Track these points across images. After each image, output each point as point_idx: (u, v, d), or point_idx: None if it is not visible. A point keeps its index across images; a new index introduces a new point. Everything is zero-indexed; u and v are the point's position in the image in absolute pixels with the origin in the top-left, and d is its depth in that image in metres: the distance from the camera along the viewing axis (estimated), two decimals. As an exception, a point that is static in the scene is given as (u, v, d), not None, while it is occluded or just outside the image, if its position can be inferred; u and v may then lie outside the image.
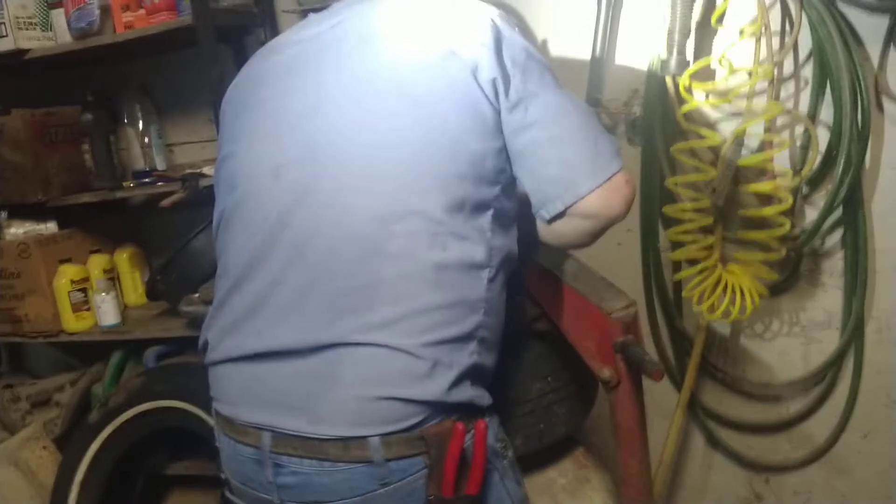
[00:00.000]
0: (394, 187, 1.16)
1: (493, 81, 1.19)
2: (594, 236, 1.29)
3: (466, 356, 1.17)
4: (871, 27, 1.88)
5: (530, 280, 1.56)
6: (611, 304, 1.40)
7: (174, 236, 2.29)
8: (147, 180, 2.35)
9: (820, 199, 1.98)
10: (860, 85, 1.87)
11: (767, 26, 1.89)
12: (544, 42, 2.09)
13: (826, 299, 2.08)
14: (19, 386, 2.59)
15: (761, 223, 1.99)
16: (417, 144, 1.17)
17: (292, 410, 1.15)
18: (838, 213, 1.98)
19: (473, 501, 1.14)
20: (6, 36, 2.20)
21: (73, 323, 2.42)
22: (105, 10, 2.18)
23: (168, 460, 2.47)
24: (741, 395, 2.21)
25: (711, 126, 1.97)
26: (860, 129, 1.89)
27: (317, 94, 1.23)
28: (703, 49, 2.02)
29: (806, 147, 1.96)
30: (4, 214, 2.47)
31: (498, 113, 1.20)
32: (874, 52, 1.90)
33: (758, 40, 1.90)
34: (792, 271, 2.08)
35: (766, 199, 1.96)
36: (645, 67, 2.05)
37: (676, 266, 2.15)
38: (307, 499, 1.17)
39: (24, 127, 2.32)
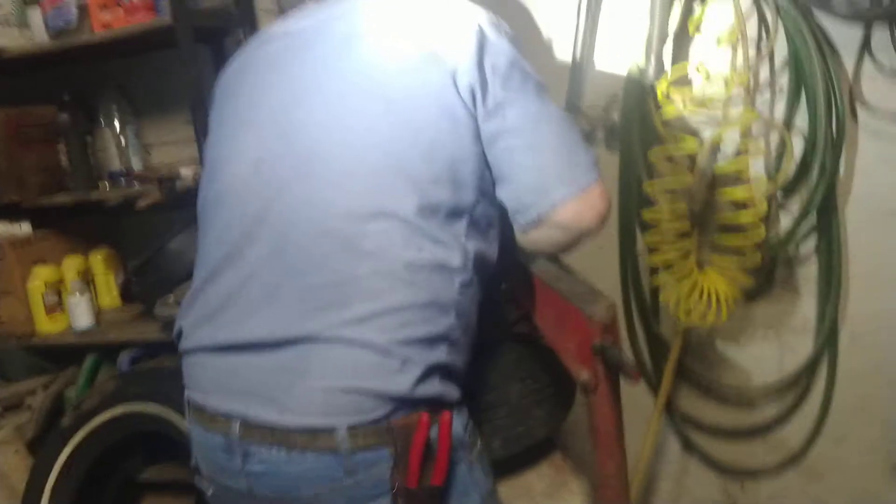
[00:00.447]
0: (367, 186, 1.17)
1: (471, 88, 1.19)
2: (565, 247, 1.29)
3: (436, 355, 1.17)
4: (846, 37, 1.91)
5: (512, 281, 1.56)
6: (591, 306, 1.40)
7: (150, 238, 2.27)
8: (123, 181, 2.33)
9: (795, 205, 2.01)
10: (835, 94, 1.89)
11: (744, 35, 1.91)
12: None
13: (800, 305, 2.10)
14: (-9, 389, 2.56)
15: (737, 229, 2.00)
16: (392, 146, 1.18)
17: (262, 400, 1.16)
18: (812, 219, 2.00)
19: (438, 492, 1.15)
20: (-19, 34, 2.18)
21: (47, 325, 2.39)
22: (83, 10, 2.17)
23: (141, 465, 2.44)
24: (717, 400, 2.23)
25: (688, 132, 1.99)
26: (834, 137, 1.91)
27: (299, 88, 1.24)
28: (680, 56, 2.04)
29: (781, 154, 1.98)
30: (-22, 215, 2.44)
31: (475, 119, 1.21)
32: (849, 61, 1.93)
33: (734, 48, 1.92)
34: (767, 277, 2.10)
35: (742, 205, 1.98)
36: (624, 74, 2.06)
37: (654, 271, 2.17)
38: (274, 486, 1.17)
39: (-2, 126, 2.30)
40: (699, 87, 1.96)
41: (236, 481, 1.21)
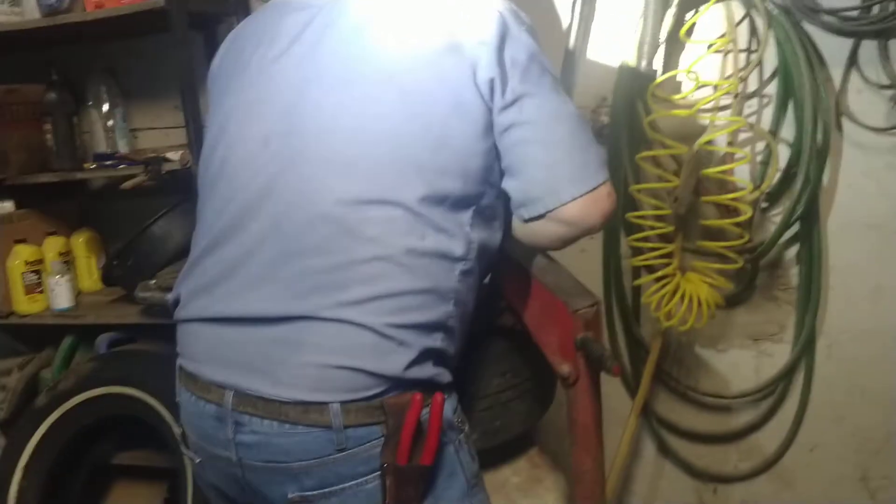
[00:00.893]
0: (373, 174, 1.17)
1: (491, 81, 1.19)
2: (566, 242, 1.30)
3: (431, 341, 1.18)
4: (834, 49, 1.94)
5: (499, 271, 1.56)
6: (576, 300, 1.41)
7: (133, 223, 2.26)
8: (109, 163, 2.31)
9: (778, 213, 2.03)
10: (822, 105, 1.92)
11: (735, 42, 1.93)
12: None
13: (779, 313, 2.12)
14: (-35, 369, 2.53)
15: (720, 234, 2.02)
16: (401, 135, 1.18)
17: (256, 372, 1.16)
18: (795, 228, 2.03)
19: (426, 471, 1.16)
20: (-31, 9, 2.16)
21: (26, 305, 2.37)
22: (76, -11, 2.15)
23: (114, 450, 2.43)
24: (693, 405, 2.25)
25: (676, 137, 2.00)
26: (820, 147, 1.94)
27: (314, 67, 1.23)
28: (671, 61, 2.06)
29: (766, 162, 2.00)
30: (-40, 191, 2.42)
31: (490, 112, 1.21)
32: (836, 73, 1.96)
33: (725, 55, 1.95)
34: (748, 284, 2.12)
35: (726, 210, 2.00)
36: (615, 77, 2.08)
37: (636, 273, 2.18)
38: (264, 458, 1.18)
39: (-17, 103, 2.29)
40: (688, 92, 1.98)
41: (226, 450, 1.21)
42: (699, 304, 1.98)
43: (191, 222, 2.12)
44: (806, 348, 2.09)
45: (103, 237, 2.60)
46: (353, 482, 1.15)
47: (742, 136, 2.03)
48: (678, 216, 2.00)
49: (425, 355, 1.17)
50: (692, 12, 1.97)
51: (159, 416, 2.09)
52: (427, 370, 1.18)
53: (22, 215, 2.43)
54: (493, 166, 1.25)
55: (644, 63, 1.99)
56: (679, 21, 1.98)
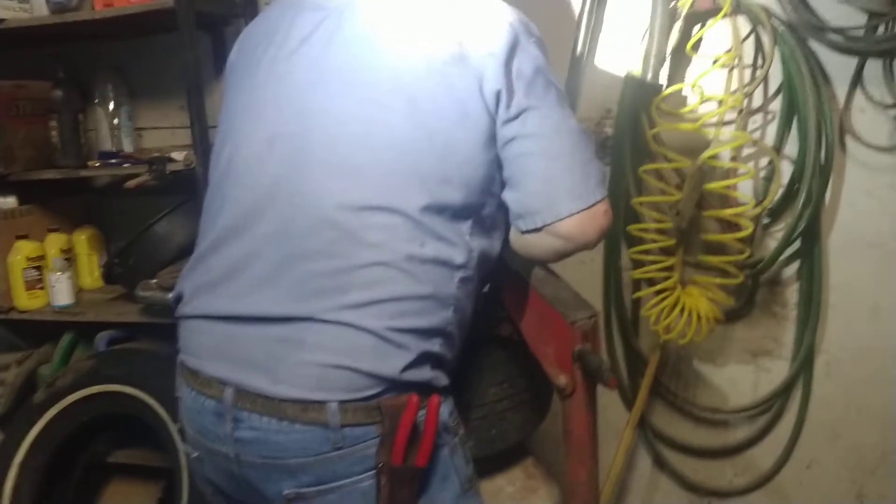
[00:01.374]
0: (377, 181, 1.18)
1: (497, 93, 1.20)
2: (561, 256, 1.32)
3: (430, 345, 1.19)
4: (839, 67, 1.94)
5: (498, 281, 1.57)
6: (574, 312, 1.42)
7: (135, 221, 2.27)
8: (113, 161, 2.32)
9: (779, 230, 2.03)
10: (826, 122, 1.92)
11: (740, 58, 1.93)
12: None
13: (779, 329, 2.12)
14: (-37, 363, 2.54)
15: (721, 249, 2.03)
16: (406, 143, 1.19)
17: (256, 369, 1.18)
18: (796, 245, 2.02)
19: (420, 472, 1.18)
20: (-21, 4, 2.17)
21: (26, 301, 2.37)
22: (86, -13, 2.17)
23: (111, 448, 2.43)
24: (690, 419, 2.24)
25: (679, 151, 2.01)
26: (823, 165, 1.94)
27: (324, 69, 1.24)
28: (676, 75, 2.06)
29: (769, 178, 2.00)
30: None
31: (494, 123, 1.22)
32: (841, 91, 1.96)
33: (730, 71, 1.95)
34: (748, 299, 2.12)
35: (728, 225, 2.00)
36: (619, 89, 2.08)
37: (636, 286, 2.18)
38: (261, 454, 1.19)
39: (-10, 97, 2.29)
40: (693, 106, 1.98)
41: (223, 446, 1.22)
42: (698, 318, 1.98)
43: (193, 223, 2.13)
44: (804, 365, 2.09)
45: (105, 235, 2.61)
46: (348, 480, 1.17)
47: (745, 151, 2.04)
48: (680, 230, 2.00)
49: (423, 359, 1.18)
50: (699, 26, 1.98)
51: (156, 415, 2.10)
52: (424, 373, 1.19)
53: (25, 211, 2.44)
54: (495, 177, 1.26)
55: (650, 76, 1.98)
56: (685, 35, 1.98)
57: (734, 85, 1.94)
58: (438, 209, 1.19)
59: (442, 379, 1.23)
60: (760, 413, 2.18)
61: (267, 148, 1.24)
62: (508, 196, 1.27)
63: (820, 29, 1.89)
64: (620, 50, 2.07)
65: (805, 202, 1.94)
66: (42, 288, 2.40)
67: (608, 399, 2.20)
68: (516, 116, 1.21)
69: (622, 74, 2.07)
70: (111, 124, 2.44)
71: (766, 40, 1.92)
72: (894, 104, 1.90)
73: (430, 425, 1.17)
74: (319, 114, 1.22)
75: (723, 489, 2.25)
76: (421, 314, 1.18)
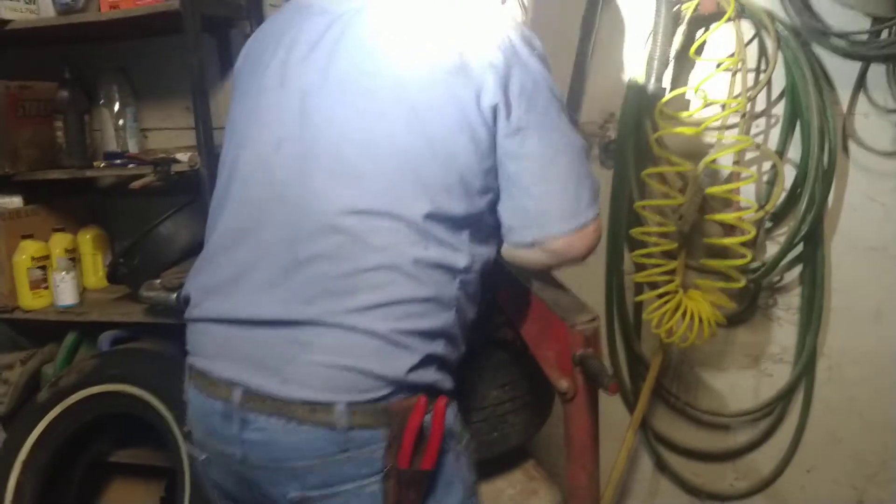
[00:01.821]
0: (381, 189, 1.19)
1: (495, 108, 1.20)
2: (548, 269, 1.38)
3: (434, 347, 1.20)
4: (842, 72, 1.95)
5: (499, 287, 1.57)
6: (575, 316, 1.42)
7: (140, 222, 2.27)
8: (118, 162, 2.32)
9: (782, 234, 2.03)
10: (829, 127, 1.92)
11: (744, 62, 1.94)
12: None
13: (781, 333, 2.12)
14: (-33, 362, 2.54)
15: (724, 252, 2.03)
16: (409, 152, 1.19)
17: (264, 370, 1.18)
18: (798, 249, 2.03)
19: (426, 476, 1.18)
20: (-13, 5, 2.18)
21: (30, 300, 2.38)
22: (92, -11, 2.17)
23: (113, 447, 2.44)
24: (691, 422, 2.25)
25: (683, 154, 2.01)
26: (825, 169, 1.94)
27: (325, 76, 1.24)
28: (680, 79, 2.07)
29: (772, 182, 2.01)
30: (-31, 185, 2.43)
31: (494, 135, 1.22)
32: (844, 96, 1.97)
33: (734, 75, 1.95)
34: (750, 303, 2.12)
35: (730, 229, 2.01)
36: (622, 92, 2.08)
37: (639, 289, 2.19)
38: (269, 456, 1.19)
39: (-3, 97, 2.30)
40: (696, 110, 1.98)
41: (231, 448, 1.22)
42: (700, 321, 1.98)
43: (198, 224, 2.16)
44: (806, 370, 2.09)
45: (110, 235, 2.61)
46: (354, 484, 1.17)
47: (748, 155, 2.04)
48: (682, 233, 2.00)
49: (428, 360, 1.19)
50: (702, 30, 1.98)
51: (159, 415, 2.10)
52: (429, 375, 1.20)
53: (30, 211, 2.44)
54: (493, 186, 1.27)
55: (653, 80, 1.99)
56: (689, 39, 1.99)
57: (737, 89, 1.94)
58: (440, 217, 1.20)
59: (446, 382, 1.24)
60: (762, 417, 2.18)
61: (273, 151, 1.24)
62: (502, 207, 1.28)
63: (823, 33, 1.89)
64: (624, 54, 2.07)
65: (808, 206, 1.94)
66: (46, 287, 2.40)
67: (610, 402, 2.20)
68: (515, 133, 1.22)
69: (625, 78, 2.07)
70: (116, 125, 2.45)
71: (770, 44, 1.93)
72: (897, 109, 1.91)
73: (437, 428, 1.18)
74: (324, 120, 1.22)
75: (724, 493, 2.25)
76: (424, 316, 1.19)
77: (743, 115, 1.97)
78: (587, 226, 1.27)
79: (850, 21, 1.88)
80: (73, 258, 2.47)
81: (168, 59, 2.49)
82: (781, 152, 1.99)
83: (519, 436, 1.69)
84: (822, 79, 1.93)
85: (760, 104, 2.03)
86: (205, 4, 2.11)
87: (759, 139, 2.03)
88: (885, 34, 1.86)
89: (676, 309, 2.01)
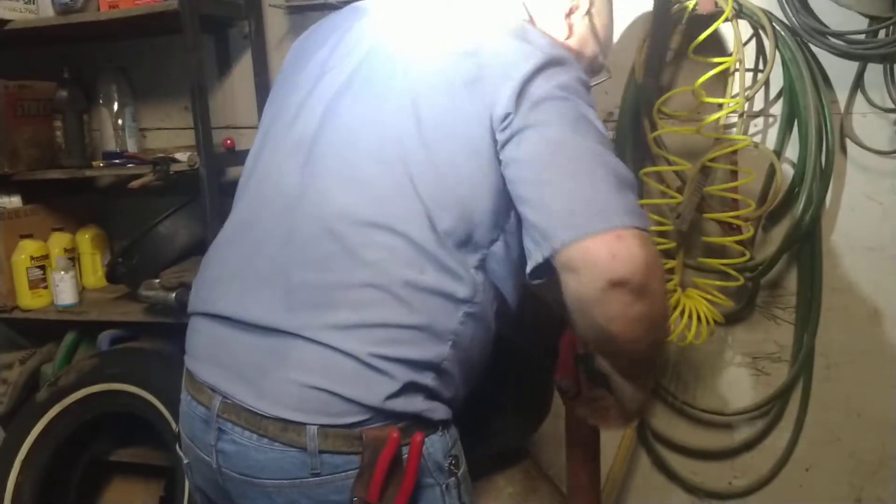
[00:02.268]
0: (382, 198, 1.14)
1: (505, 117, 1.10)
2: (592, 304, 1.06)
3: (420, 378, 1.13)
4: (840, 72, 1.95)
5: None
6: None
7: (139, 222, 2.28)
8: (117, 161, 2.33)
9: (779, 233, 2.04)
10: (826, 126, 1.93)
11: (742, 62, 1.94)
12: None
13: (778, 332, 2.13)
14: (-34, 362, 2.55)
15: (722, 251, 2.03)
16: (411, 164, 1.14)
17: (243, 380, 1.16)
18: (796, 248, 2.03)
19: None
20: (-14, 5, 2.18)
21: (29, 300, 2.38)
22: (91, -11, 2.18)
23: (113, 446, 2.44)
24: (689, 421, 2.25)
25: (680, 153, 2.02)
26: (823, 168, 1.95)
27: (347, 79, 1.23)
28: (678, 78, 2.07)
29: (770, 181, 2.01)
30: (-33, 185, 2.43)
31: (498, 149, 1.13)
32: (842, 96, 1.97)
33: (731, 74, 1.95)
34: (748, 302, 2.12)
35: (728, 228, 2.01)
36: (620, 92, 2.09)
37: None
38: (240, 469, 1.16)
39: (-4, 97, 2.31)
40: (694, 109, 1.99)
41: (208, 456, 1.21)
42: (699, 320, 1.99)
43: (197, 223, 2.18)
44: (804, 368, 2.10)
45: (109, 235, 2.62)
46: None
47: (746, 154, 2.04)
48: (680, 232, 2.01)
49: (411, 388, 1.12)
50: (700, 30, 1.98)
51: (159, 414, 2.11)
52: (415, 403, 1.13)
53: (29, 210, 2.45)
54: (504, 210, 1.16)
55: (651, 79, 2.00)
56: (687, 38, 1.99)
57: (735, 88, 1.95)
58: (441, 237, 1.13)
59: (439, 412, 1.16)
60: (760, 416, 2.19)
61: (295, 149, 1.23)
62: (522, 230, 1.14)
63: (821, 33, 1.90)
64: (622, 53, 2.07)
65: (805, 206, 1.94)
66: (46, 287, 2.41)
67: (608, 401, 2.21)
68: (510, 137, 1.11)
69: (624, 77, 2.07)
70: (115, 125, 2.45)
71: (768, 44, 1.93)
72: (895, 109, 1.91)
73: (412, 464, 1.10)
74: (339, 124, 1.20)
75: (722, 491, 2.25)
76: (411, 344, 1.12)
77: (741, 115, 1.98)
78: (603, 232, 1.03)
79: (847, 21, 1.88)
80: (73, 258, 2.47)
81: (167, 59, 2.50)
82: (779, 151, 2.00)
83: (517, 434, 1.69)
84: (820, 78, 1.94)
85: (758, 104, 2.03)
86: (203, 4, 2.12)
87: (757, 138, 2.04)
88: (882, 34, 1.86)
89: (674, 308, 2.02)
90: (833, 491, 2.15)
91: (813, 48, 1.94)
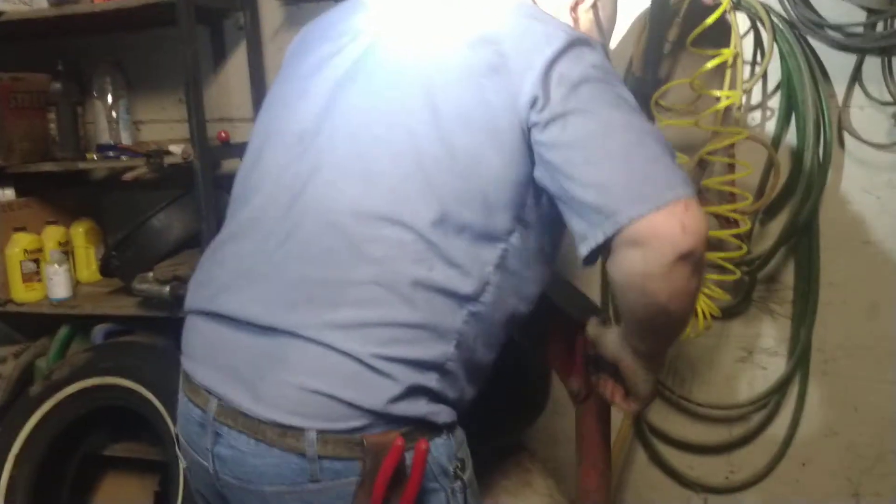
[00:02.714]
0: (390, 190, 1.11)
1: (534, 100, 1.08)
2: (654, 276, 1.04)
3: (424, 380, 1.10)
4: (838, 64, 1.94)
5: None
6: (585, 315, 1.40)
7: (133, 215, 2.26)
8: (111, 154, 2.31)
9: (777, 227, 2.03)
10: (824, 119, 1.92)
11: (740, 54, 1.93)
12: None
13: (775, 327, 2.12)
14: (-40, 356, 2.54)
15: (718, 245, 2.03)
16: (426, 155, 1.11)
17: (240, 383, 1.13)
18: (793, 241, 2.02)
19: None
20: (-21, -3, 2.17)
21: (23, 293, 2.37)
22: (85, -21, 2.17)
23: (107, 441, 2.43)
24: (686, 415, 2.24)
25: (678, 146, 2.00)
26: (821, 162, 1.94)
27: (357, 68, 1.21)
28: (675, 70, 2.06)
29: (767, 174, 2.00)
30: (-39, 178, 2.42)
31: (528, 138, 1.10)
32: (840, 89, 1.96)
33: (729, 66, 1.94)
34: (744, 296, 2.12)
35: (726, 221, 2.00)
36: (618, 84, 2.08)
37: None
38: (238, 475, 1.14)
39: (-11, 89, 2.29)
40: (691, 101, 1.98)
41: (205, 460, 1.19)
42: (695, 314, 1.98)
43: (191, 216, 2.16)
44: (800, 362, 2.09)
45: (103, 228, 2.61)
46: None
47: (744, 147, 2.03)
48: (677, 226, 2.00)
49: (415, 391, 1.09)
50: (699, 22, 1.97)
51: (153, 408, 2.10)
52: (419, 407, 1.10)
53: (22, 203, 2.43)
54: (526, 202, 1.15)
55: (649, 70, 1.99)
56: (684, 30, 1.98)
57: (733, 81, 1.94)
58: (455, 230, 1.10)
59: (444, 415, 1.13)
60: (756, 410, 2.18)
61: (296, 143, 1.21)
62: (566, 218, 1.11)
63: (819, 26, 1.89)
64: (620, 45, 2.06)
65: (803, 199, 1.94)
66: (39, 280, 2.39)
67: (605, 395, 2.20)
68: (554, 120, 1.07)
69: (622, 70, 2.06)
70: (109, 117, 2.43)
71: (766, 36, 1.92)
72: (893, 102, 1.90)
73: (416, 473, 1.08)
74: (345, 113, 1.18)
75: (719, 486, 2.25)
76: (414, 344, 1.09)
77: (739, 107, 1.97)
78: (672, 204, 1.01)
79: (845, 13, 1.87)
80: (66, 251, 2.46)
81: (161, 51, 2.48)
82: (777, 144, 1.99)
83: (512, 427, 1.68)
84: (818, 70, 1.93)
85: (756, 96, 2.02)
86: (198, -5, 2.10)
87: (756, 131, 2.03)
88: (880, 26, 1.85)
89: (671, 302, 2.01)
90: (830, 485, 2.15)
91: (811, 41, 1.93)
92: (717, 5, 1.90)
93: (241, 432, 1.11)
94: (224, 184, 1.41)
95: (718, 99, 1.94)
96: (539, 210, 1.16)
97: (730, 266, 1.99)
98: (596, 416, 1.48)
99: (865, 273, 2.02)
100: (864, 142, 1.96)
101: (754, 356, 2.16)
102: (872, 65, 1.91)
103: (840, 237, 2.02)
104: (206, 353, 1.21)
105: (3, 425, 2.29)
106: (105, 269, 2.33)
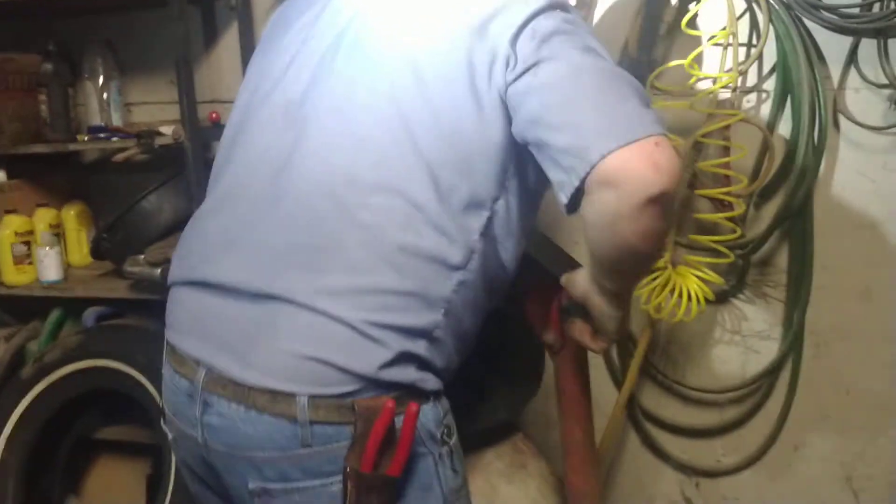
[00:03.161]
0: (379, 157, 1.12)
1: (507, 59, 1.10)
2: (628, 216, 1.02)
3: (413, 346, 1.12)
4: (834, 47, 1.94)
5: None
6: (560, 267, 1.40)
7: (124, 197, 2.25)
8: (102, 135, 2.30)
9: (771, 210, 2.02)
10: (819, 102, 1.91)
11: (735, 36, 1.92)
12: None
13: (768, 310, 2.12)
14: (-49, 338, 2.52)
15: (713, 228, 2.02)
16: (411, 121, 1.12)
17: (229, 351, 1.13)
18: (787, 225, 2.02)
19: (393, 482, 1.10)
20: (-35, -23, 2.14)
21: (14, 275, 2.35)
22: (75, -41, 2.15)
23: (99, 424, 2.43)
24: (679, 399, 2.24)
25: (672, 129, 1.99)
26: (816, 144, 1.93)
27: (339, 36, 1.21)
28: (671, 52, 2.05)
29: (762, 157, 1.99)
30: (-49, 160, 2.40)
31: (506, 100, 1.12)
32: (835, 71, 1.96)
33: (725, 48, 1.93)
34: (738, 279, 2.11)
35: (720, 204, 1.99)
36: (613, 66, 2.07)
37: (627, 265, 2.17)
38: (228, 442, 1.14)
39: (-22, 70, 2.27)
40: (687, 84, 1.97)
41: (193, 429, 1.19)
42: (689, 297, 1.98)
43: (182, 198, 2.15)
44: (793, 346, 2.09)
45: (94, 211, 2.58)
46: (317, 481, 1.11)
47: (739, 130, 2.02)
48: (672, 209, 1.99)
49: (405, 358, 1.11)
50: (694, 3, 1.96)
51: (145, 391, 2.09)
52: (408, 373, 1.12)
53: (13, 185, 2.42)
54: (508, 167, 1.16)
55: (643, 53, 1.98)
56: (680, 11, 1.97)
57: (728, 63, 1.93)
58: (442, 195, 1.11)
59: (430, 382, 1.15)
60: (749, 394, 2.18)
61: (281, 114, 1.21)
62: (542, 164, 1.11)
63: (815, 7, 1.88)
64: (615, 26, 2.05)
65: (797, 182, 1.93)
66: (30, 263, 2.38)
67: (598, 379, 2.19)
68: (525, 71, 1.08)
69: (617, 52, 2.05)
70: (101, 99, 2.41)
71: (762, 18, 1.91)
72: (888, 84, 1.90)
73: (406, 435, 1.09)
74: (328, 84, 1.18)
75: (711, 469, 2.25)
76: (404, 311, 1.10)
77: (734, 89, 1.96)
78: (643, 140, 1.00)
79: (841, -5, 1.87)
80: (58, 233, 2.44)
81: (153, 33, 2.46)
82: (772, 127, 1.98)
83: (506, 409, 1.68)
84: (814, 52, 1.92)
85: (751, 79, 2.01)
86: (189, -25, 2.09)
87: (751, 114, 2.02)
88: (876, 8, 1.84)
89: (665, 285, 2.00)
90: (822, 468, 2.15)
91: (807, 22, 1.92)
92: (713, -14, 1.89)
93: (231, 400, 1.12)
94: (214, 165, 1.41)
95: (714, 81, 1.94)
96: (521, 176, 1.18)
97: (724, 249, 1.99)
98: (573, 368, 1.48)
99: (859, 256, 2.02)
100: (860, 124, 1.95)
101: (747, 340, 2.16)
102: (868, 47, 1.91)
103: (834, 220, 2.02)
104: (191, 324, 1.21)
105: (-7, 408, 2.28)
106: (96, 251, 2.32)
